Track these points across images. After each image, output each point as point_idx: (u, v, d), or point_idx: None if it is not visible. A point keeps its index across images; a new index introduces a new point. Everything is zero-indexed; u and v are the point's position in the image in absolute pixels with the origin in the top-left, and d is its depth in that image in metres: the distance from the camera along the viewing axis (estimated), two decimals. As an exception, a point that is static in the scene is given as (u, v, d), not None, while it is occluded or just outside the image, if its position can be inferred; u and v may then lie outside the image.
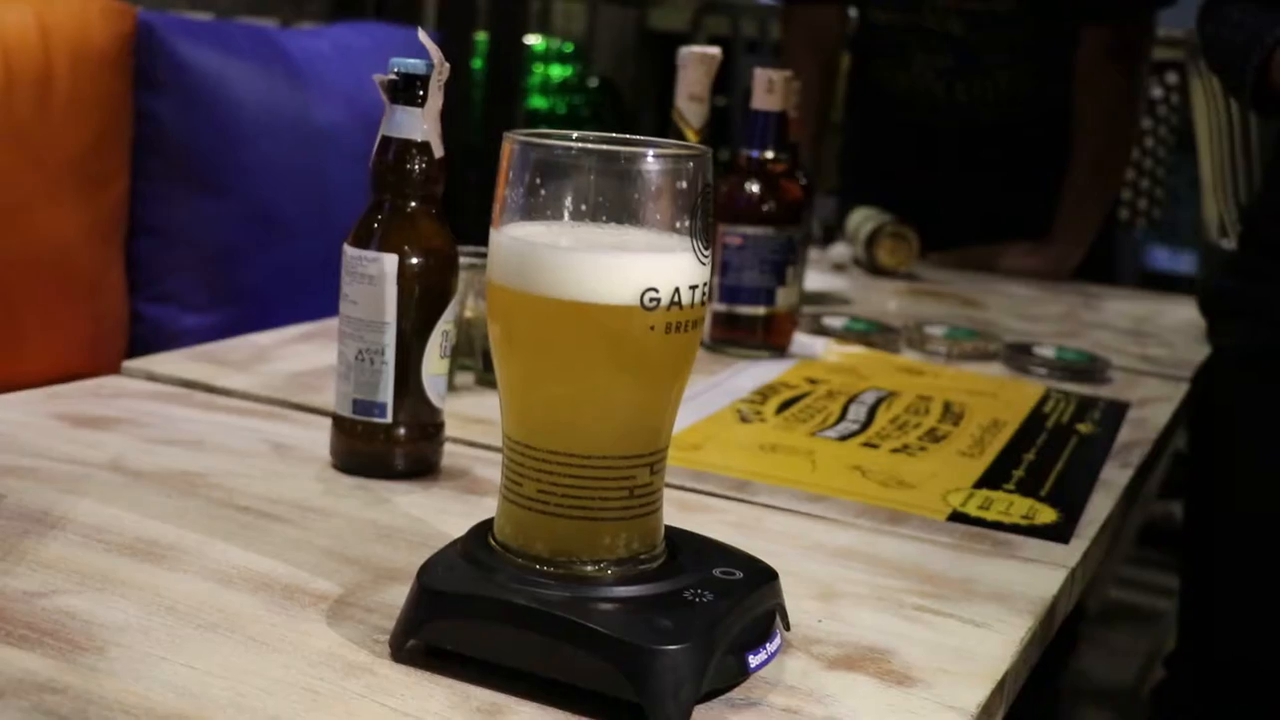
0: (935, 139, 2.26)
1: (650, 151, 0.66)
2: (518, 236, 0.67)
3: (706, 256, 0.68)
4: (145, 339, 1.93)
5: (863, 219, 2.13)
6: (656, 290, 0.66)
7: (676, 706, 0.63)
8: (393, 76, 0.92)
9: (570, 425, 0.68)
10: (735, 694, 0.67)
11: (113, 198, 1.89)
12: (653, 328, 0.66)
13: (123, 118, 1.90)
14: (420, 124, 0.92)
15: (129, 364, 1.19)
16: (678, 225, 0.67)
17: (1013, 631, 0.78)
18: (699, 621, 0.66)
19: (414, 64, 0.91)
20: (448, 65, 0.92)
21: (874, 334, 1.56)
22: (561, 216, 0.67)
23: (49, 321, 1.80)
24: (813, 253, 1.91)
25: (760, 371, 1.36)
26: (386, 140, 0.93)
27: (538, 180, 0.67)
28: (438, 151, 0.93)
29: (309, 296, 1.88)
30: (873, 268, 2.08)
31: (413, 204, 0.94)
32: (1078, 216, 2.21)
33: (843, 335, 1.56)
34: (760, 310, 1.42)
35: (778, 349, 1.44)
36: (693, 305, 0.67)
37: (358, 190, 2.08)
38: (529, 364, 0.69)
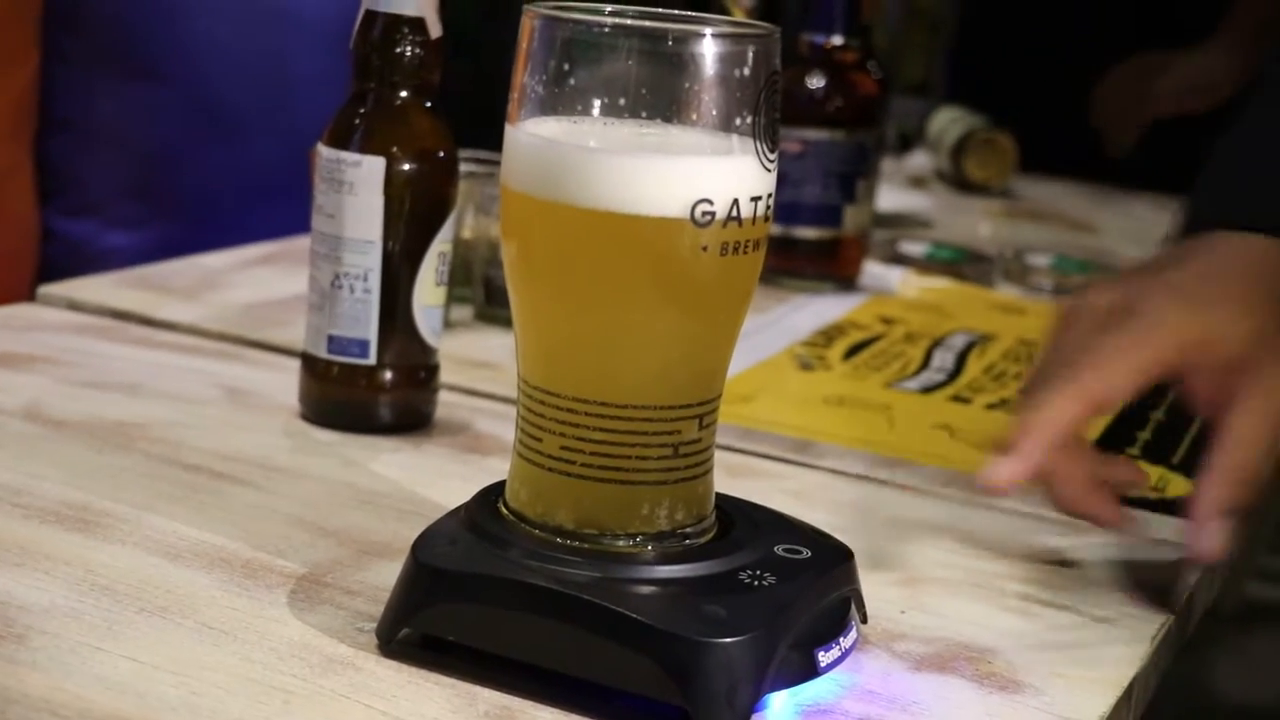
0: (1058, 19, 2.23)
1: (707, 30, 0.66)
2: (540, 134, 0.67)
3: (772, 161, 0.68)
4: (60, 261, 1.92)
5: (948, 122, 2.13)
6: (710, 201, 0.65)
7: (731, 713, 0.63)
8: (379, -65, 0.92)
9: (602, 366, 0.68)
10: (803, 698, 0.67)
11: (18, 85, 1.88)
12: (705, 248, 0.66)
13: (32, -14, 1.89)
14: (413, -5, 0.92)
15: (45, 289, 1.19)
16: (737, 123, 0.67)
17: (1142, 628, 0.79)
18: (758, 609, 0.66)
19: (405, -80, 0.91)
20: (448, -78, 0.91)
21: (962, 263, 1.56)
22: (594, 110, 0.67)
23: (-60, 238, 1.81)
24: (886, 164, 1.90)
25: (823, 308, 1.36)
26: (371, 15, 0.93)
27: (565, 66, 0.67)
28: (434, 31, 0.93)
29: (266, 209, 1.87)
30: (960, 182, 2.07)
31: (403, 94, 0.93)
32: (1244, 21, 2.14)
33: (924, 265, 1.55)
34: (824, 233, 1.42)
35: (844, 280, 1.44)
36: (754, 221, 0.67)
37: (327, 80, 2.06)
38: (552, 289, 0.68)
